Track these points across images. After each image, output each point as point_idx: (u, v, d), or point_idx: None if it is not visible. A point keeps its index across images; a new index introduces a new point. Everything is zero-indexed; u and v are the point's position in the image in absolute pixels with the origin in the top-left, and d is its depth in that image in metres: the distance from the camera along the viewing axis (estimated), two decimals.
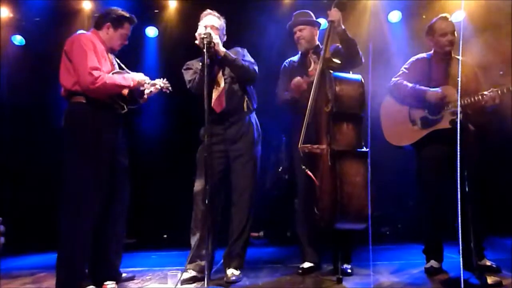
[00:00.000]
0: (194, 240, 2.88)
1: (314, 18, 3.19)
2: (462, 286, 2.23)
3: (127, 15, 2.86)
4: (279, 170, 4.70)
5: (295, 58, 3.24)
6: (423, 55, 3.11)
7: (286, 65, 3.25)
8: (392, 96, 3.14)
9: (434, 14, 3.09)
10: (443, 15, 3.01)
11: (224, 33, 3.05)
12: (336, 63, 2.77)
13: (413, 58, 3.14)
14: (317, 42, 3.16)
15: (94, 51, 2.67)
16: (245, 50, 3.07)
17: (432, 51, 3.06)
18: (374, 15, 4.76)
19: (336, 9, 2.83)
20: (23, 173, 4.70)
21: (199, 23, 2.97)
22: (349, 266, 2.99)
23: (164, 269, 3.28)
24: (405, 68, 3.12)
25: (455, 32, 2.95)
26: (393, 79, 3.12)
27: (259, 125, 3.09)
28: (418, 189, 3.12)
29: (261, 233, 4.83)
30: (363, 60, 2.96)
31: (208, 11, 3.02)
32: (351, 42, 2.91)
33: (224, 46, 2.99)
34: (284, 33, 3.30)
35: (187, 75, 2.99)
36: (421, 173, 3.06)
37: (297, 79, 2.98)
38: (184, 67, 3.04)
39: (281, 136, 4.60)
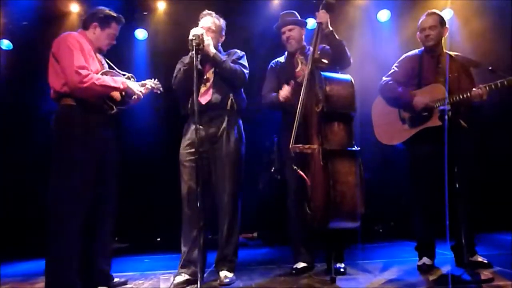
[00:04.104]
0: (184, 245, 2.86)
1: (300, 18, 3.19)
2: (450, 282, 2.26)
3: (114, 14, 2.84)
4: (272, 170, 4.69)
5: (281, 59, 3.24)
6: (415, 51, 3.13)
7: (273, 65, 3.24)
8: (382, 97, 3.16)
9: (423, 12, 3.11)
10: (429, 11, 3.04)
11: (223, 34, 3.05)
12: (325, 63, 2.78)
13: (403, 56, 3.16)
14: (304, 43, 3.17)
15: (81, 51, 2.64)
16: (243, 54, 3.05)
17: (423, 48, 3.09)
18: (363, 14, 4.79)
19: (324, 11, 2.83)
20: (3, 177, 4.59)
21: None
22: (342, 265, 2.99)
23: (157, 273, 3.26)
24: (395, 66, 3.14)
25: (437, 28, 2.95)
26: (384, 78, 3.14)
27: (242, 129, 3.05)
28: (410, 187, 3.13)
29: (255, 234, 4.83)
30: (351, 61, 2.97)
31: (207, 11, 3.02)
32: (339, 43, 2.91)
33: (222, 46, 3.02)
34: (273, 33, 3.29)
35: (175, 70, 2.99)
36: (412, 171, 3.07)
37: (284, 91, 2.96)
38: (179, 61, 3.03)
39: (273, 137, 4.59)
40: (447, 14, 4.43)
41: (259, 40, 4.32)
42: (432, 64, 3.01)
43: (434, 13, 3.02)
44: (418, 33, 3.06)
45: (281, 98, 2.99)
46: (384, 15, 4.79)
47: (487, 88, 2.74)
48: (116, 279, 2.95)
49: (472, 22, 4.48)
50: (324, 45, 2.99)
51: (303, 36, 3.17)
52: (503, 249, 3.50)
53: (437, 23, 2.97)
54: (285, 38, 3.13)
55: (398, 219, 4.61)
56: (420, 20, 3.04)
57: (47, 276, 2.56)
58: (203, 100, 2.89)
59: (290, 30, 3.11)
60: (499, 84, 2.71)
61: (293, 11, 3.21)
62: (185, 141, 2.96)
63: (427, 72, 3.01)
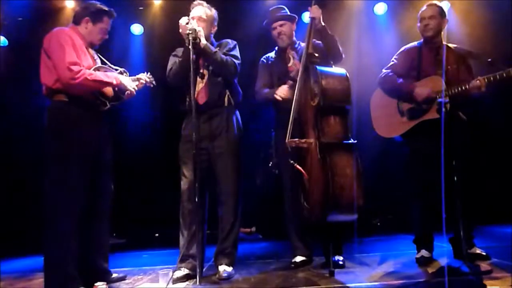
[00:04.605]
0: (183, 240, 2.86)
1: (290, 13, 3.15)
2: (446, 274, 2.26)
3: (106, 9, 2.81)
4: (269, 165, 4.68)
5: (272, 54, 3.23)
6: (414, 44, 3.11)
7: (264, 61, 3.23)
8: (381, 89, 3.15)
9: (419, 4, 3.09)
10: (429, 2, 3.03)
11: (215, 24, 3.02)
12: (318, 57, 2.77)
13: (402, 48, 3.15)
14: (294, 38, 3.15)
15: (73, 46, 2.62)
16: (234, 44, 3.03)
17: (422, 40, 3.07)
18: (360, 7, 4.76)
19: (316, 6, 2.82)
20: None
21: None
22: (341, 258, 2.99)
23: (156, 268, 3.26)
24: (394, 58, 3.13)
25: (437, 18, 2.94)
26: (383, 70, 3.13)
27: (240, 121, 3.06)
28: (408, 180, 3.13)
29: (253, 229, 4.84)
30: (343, 56, 2.96)
31: (198, 1, 2.98)
32: (331, 39, 2.90)
33: (214, 37, 3.00)
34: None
35: (170, 63, 2.97)
36: (411, 164, 3.07)
37: (282, 91, 2.94)
38: (172, 53, 3.01)
39: (271, 131, 4.58)
40: (444, 6, 4.41)
41: (253, 31, 4.29)
42: (431, 56, 2.99)
43: (434, 4, 3.01)
44: (418, 23, 3.05)
45: (278, 98, 2.96)
46: (380, 8, 4.78)
47: (486, 80, 2.73)
48: (114, 275, 2.95)
49: (470, 14, 4.47)
50: (314, 39, 2.97)
51: (294, 31, 3.15)
52: (501, 242, 3.51)
53: (436, 14, 2.95)
54: (276, 34, 3.10)
55: (396, 212, 4.62)
56: (420, 11, 3.03)
57: (46, 274, 2.56)
58: (200, 100, 2.87)
59: (281, 25, 3.09)
60: (498, 76, 2.69)
61: (282, 6, 3.18)
62: (184, 138, 2.96)
63: (426, 64, 2.99)
